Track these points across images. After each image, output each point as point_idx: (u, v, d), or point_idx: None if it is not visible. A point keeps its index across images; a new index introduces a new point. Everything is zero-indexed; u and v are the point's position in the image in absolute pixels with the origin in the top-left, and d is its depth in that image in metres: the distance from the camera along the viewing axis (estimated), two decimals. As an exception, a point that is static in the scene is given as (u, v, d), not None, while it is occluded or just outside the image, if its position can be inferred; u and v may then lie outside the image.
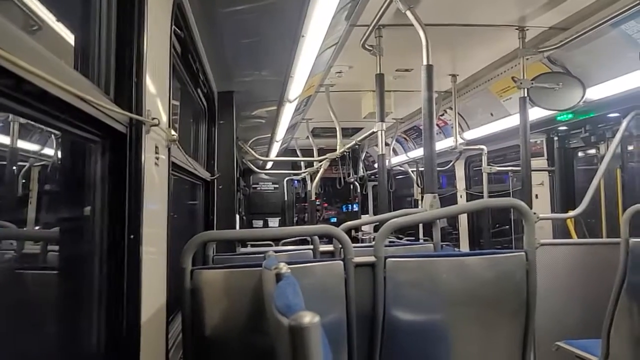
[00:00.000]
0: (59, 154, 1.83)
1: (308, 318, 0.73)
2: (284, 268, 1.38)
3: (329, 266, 2.09)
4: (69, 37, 1.71)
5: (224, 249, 4.11)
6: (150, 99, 1.62)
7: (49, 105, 1.08)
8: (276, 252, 2.86)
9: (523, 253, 2.17)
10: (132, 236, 1.50)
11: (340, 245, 2.15)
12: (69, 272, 1.53)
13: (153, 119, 1.60)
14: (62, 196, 1.74)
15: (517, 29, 3.95)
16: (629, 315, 2.83)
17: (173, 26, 2.00)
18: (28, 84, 0.93)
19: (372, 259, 2.12)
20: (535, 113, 4.44)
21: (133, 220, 1.50)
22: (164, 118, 1.82)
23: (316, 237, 3.31)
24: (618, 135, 4.24)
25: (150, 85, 1.61)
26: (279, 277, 1.33)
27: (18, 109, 1.02)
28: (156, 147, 1.74)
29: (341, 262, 2.08)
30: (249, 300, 1.98)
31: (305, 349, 0.73)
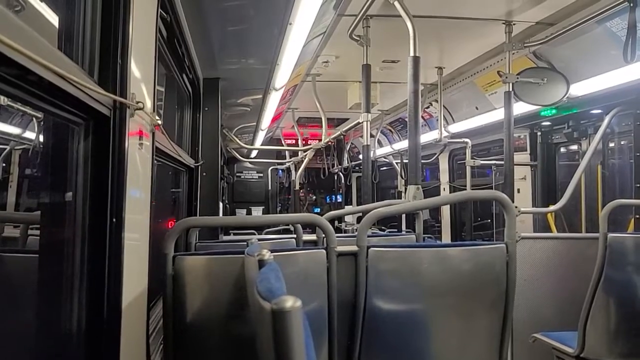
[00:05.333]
0: (41, 137, 1.81)
1: (290, 302, 0.74)
2: (267, 254, 1.38)
3: (311, 254, 2.10)
4: (53, 18, 1.68)
5: (206, 236, 4.09)
6: (135, 82, 1.60)
7: (31, 83, 1.06)
8: (259, 240, 2.86)
9: (503, 245, 2.19)
10: (114, 220, 1.48)
11: (323, 235, 2.16)
12: (50, 256, 1.52)
13: (137, 102, 1.59)
14: (43, 179, 1.72)
15: (503, 23, 3.96)
16: (605, 309, 2.89)
17: (159, 9, 1.98)
18: (10, 60, 0.91)
19: (354, 248, 2.13)
20: (520, 108, 4.48)
21: (115, 204, 1.49)
22: (149, 102, 1.80)
23: (299, 226, 3.32)
24: (600, 132, 4.28)
25: (135, 68, 1.59)
26: (261, 263, 1.33)
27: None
28: (140, 131, 1.72)
29: (324, 251, 2.09)
30: (231, 287, 1.98)
31: (287, 333, 0.73)
